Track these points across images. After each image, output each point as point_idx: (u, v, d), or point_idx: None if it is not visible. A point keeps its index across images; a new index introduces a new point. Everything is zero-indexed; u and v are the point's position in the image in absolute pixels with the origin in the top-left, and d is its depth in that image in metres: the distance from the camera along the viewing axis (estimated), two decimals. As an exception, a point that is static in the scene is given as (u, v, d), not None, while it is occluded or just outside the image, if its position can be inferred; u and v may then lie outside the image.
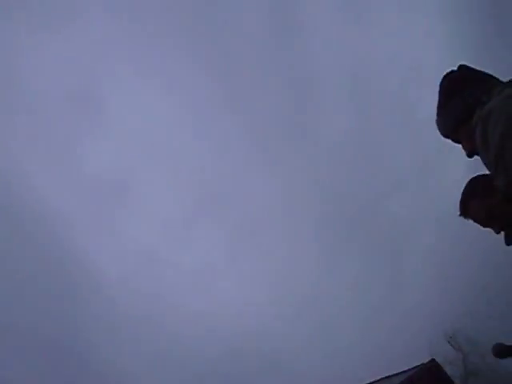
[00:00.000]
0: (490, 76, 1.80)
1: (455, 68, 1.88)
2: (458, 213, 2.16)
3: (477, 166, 1.88)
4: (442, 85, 1.89)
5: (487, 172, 1.87)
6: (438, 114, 1.89)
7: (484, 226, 2.12)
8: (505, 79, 1.74)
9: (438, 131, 1.95)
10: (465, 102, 1.78)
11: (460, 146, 1.90)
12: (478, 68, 1.84)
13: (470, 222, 2.14)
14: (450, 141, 1.92)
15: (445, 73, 1.87)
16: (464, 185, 2.17)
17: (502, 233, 2.08)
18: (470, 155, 1.85)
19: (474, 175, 2.19)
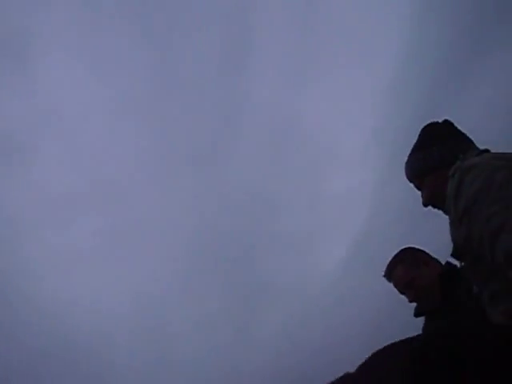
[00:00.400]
0: (470, 140, 1.79)
1: (440, 120, 1.87)
2: (383, 274, 2.26)
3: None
4: (424, 130, 1.86)
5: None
6: (411, 156, 1.84)
7: (400, 292, 2.25)
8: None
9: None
10: (441, 153, 1.74)
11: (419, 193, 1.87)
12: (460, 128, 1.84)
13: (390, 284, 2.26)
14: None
15: (430, 121, 1.87)
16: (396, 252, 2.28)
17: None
18: (425, 204, 1.81)
19: (408, 246, 2.32)
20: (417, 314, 2.18)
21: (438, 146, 1.76)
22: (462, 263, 1.57)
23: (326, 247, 11.59)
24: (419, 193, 1.85)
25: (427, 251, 2.29)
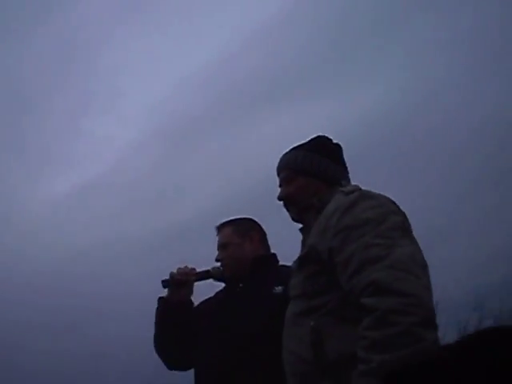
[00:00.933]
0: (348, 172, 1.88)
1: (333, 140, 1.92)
2: (216, 225, 2.38)
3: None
4: (321, 139, 1.89)
5: None
6: (300, 151, 1.85)
7: (218, 248, 2.32)
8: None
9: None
10: (333, 169, 1.81)
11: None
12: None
13: None
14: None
15: (326, 135, 1.91)
16: None
17: None
18: (282, 198, 1.84)
19: (252, 218, 2.40)
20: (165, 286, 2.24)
21: (331, 160, 1.83)
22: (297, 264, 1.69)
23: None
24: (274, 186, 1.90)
25: (266, 234, 2.38)
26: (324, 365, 1.45)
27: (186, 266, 2.24)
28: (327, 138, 1.90)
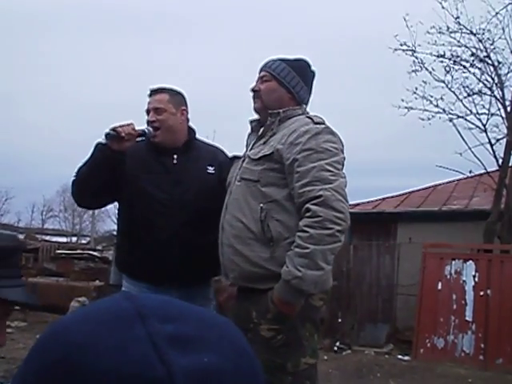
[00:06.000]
0: (310, 96, 2.26)
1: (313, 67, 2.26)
2: (151, 88, 2.42)
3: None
4: (305, 63, 2.24)
5: None
6: (281, 60, 2.19)
7: (147, 112, 2.38)
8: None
9: None
10: (304, 91, 2.20)
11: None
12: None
13: None
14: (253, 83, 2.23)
15: (309, 61, 2.24)
16: None
17: None
18: (253, 90, 2.18)
19: (183, 95, 2.46)
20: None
21: (304, 83, 2.19)
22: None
23: None
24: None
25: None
26: (266, 237, 1.98)
27: (130, 124, 2.22)
28: (307, 64, 2.25)
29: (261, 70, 2.22)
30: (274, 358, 1.91)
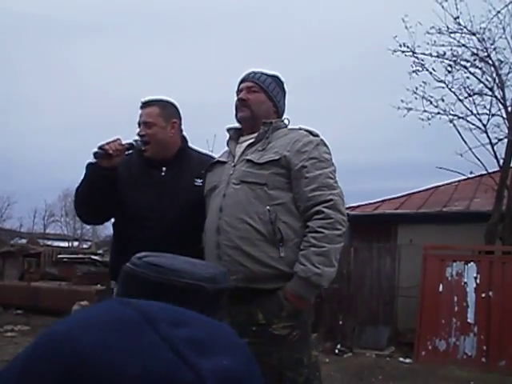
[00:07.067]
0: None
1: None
2: (143, 100, 2.42)
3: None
4: (280, 80, 2.35)
5: None
6: (265, 75, 2.30)
7: (139, 124, 2.40)
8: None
9: None
10: (283, 104, 2.35)
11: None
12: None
13: None
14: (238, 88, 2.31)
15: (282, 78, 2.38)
16: None
17: None
18: (242, 99, 2.24)
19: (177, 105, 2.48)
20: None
21: (284, 98, 2.36)
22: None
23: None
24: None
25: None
26: (276, 238, 2.07)
27: (116, 140, 2.24)
28: (282, 81, 2.38)
29: (245, 81, 2.29)
30: (293, 354, 2.02)
